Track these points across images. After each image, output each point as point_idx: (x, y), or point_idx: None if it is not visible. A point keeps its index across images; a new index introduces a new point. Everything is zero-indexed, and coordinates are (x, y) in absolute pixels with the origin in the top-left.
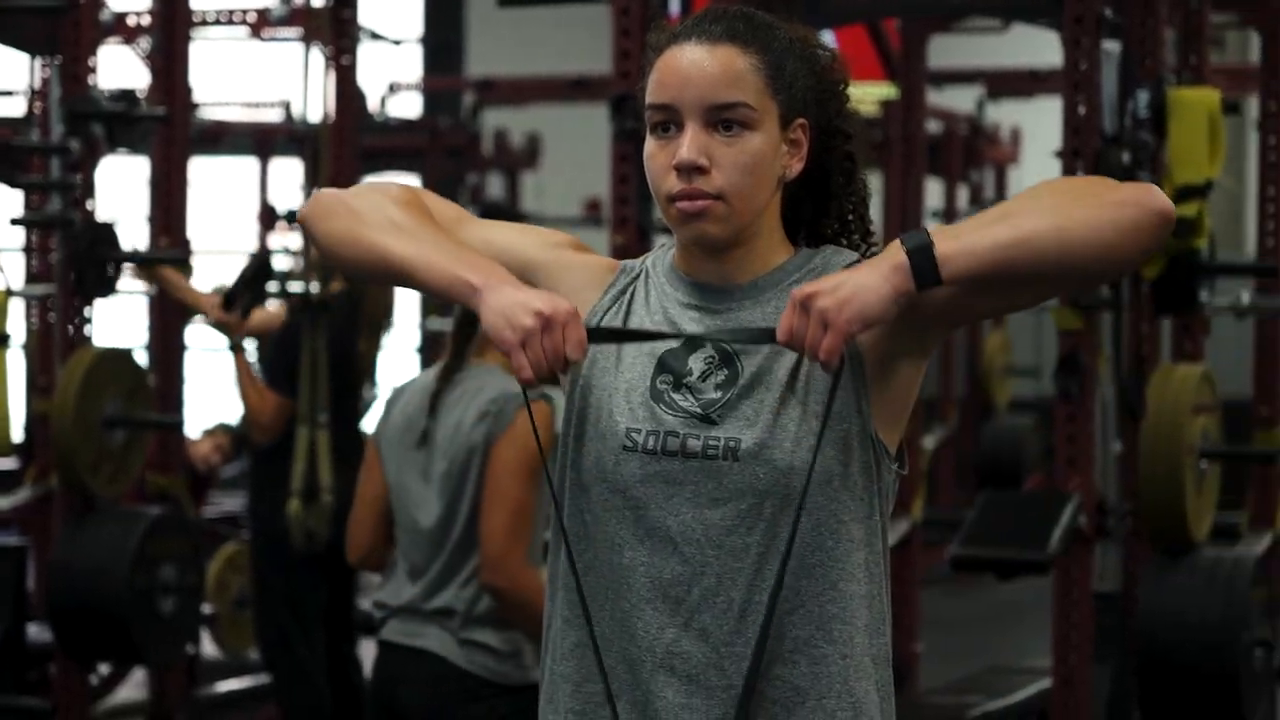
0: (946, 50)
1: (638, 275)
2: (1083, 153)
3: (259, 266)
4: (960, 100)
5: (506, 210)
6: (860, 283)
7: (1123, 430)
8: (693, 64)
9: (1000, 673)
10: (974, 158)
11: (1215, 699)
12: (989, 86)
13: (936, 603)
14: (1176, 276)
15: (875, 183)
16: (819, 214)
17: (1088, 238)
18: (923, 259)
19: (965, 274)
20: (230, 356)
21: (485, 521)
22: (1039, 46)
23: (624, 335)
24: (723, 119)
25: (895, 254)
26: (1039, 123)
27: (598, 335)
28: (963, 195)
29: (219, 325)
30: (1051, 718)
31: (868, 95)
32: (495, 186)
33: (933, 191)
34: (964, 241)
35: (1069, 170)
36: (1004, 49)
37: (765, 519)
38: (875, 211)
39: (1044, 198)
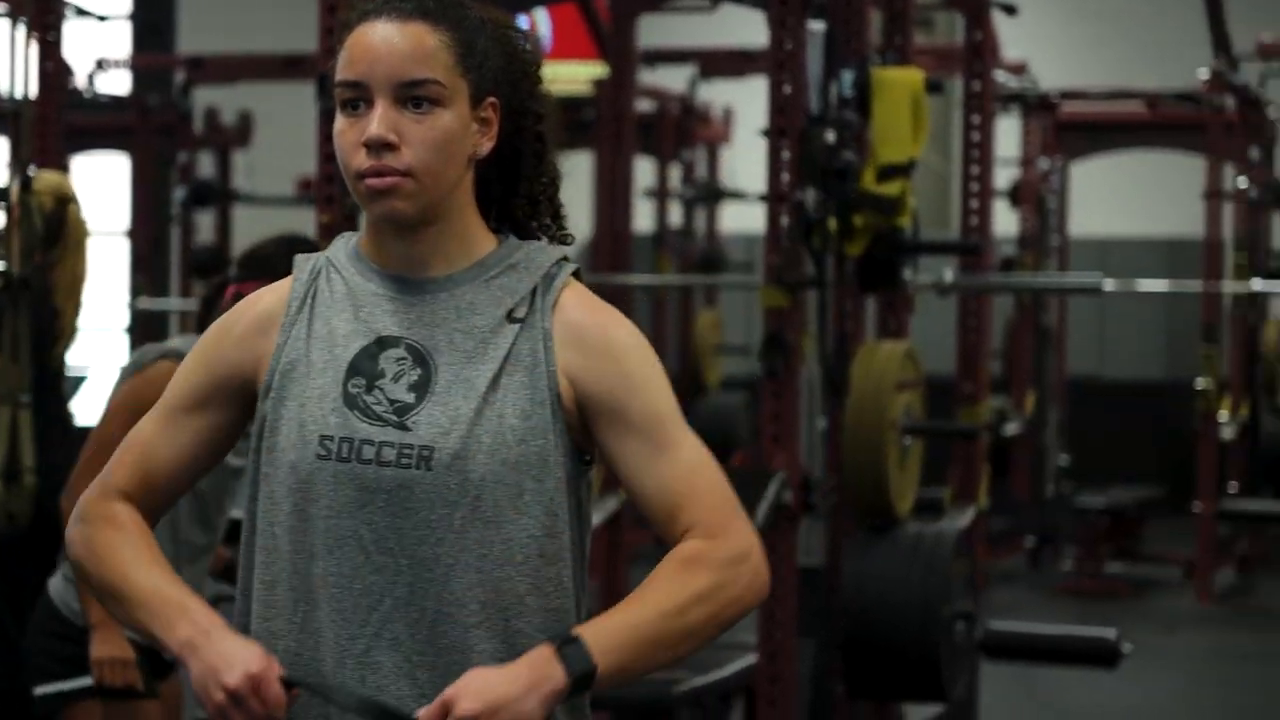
0: (660, 29)
1: (318, 273)
2: (789, 132)
3: None
4: (673, 79)
5: (217, 190)
6: (514, 711)
7: (828, 407)
8: (383, 40)
9: (706, 648)
10: (686, 137)
11: (917, 671)
12: (701, 66)
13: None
14: (880, 254)
15: (586, 162)
16: (509, 194)
17: (698, 647)
18: (581, 684)
19: (605, 684)
20: None
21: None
22: (750, 26)
23: (322, 692)
24: (412, 96)
25: (556, 678)
26: (750, 102)
27: (297, 687)
28: (675, 174)
29: None
30: (757, 692)
31: (579, 74)
32: (206, 165)
33: (644, 170)
34: (623, 662)
35: (775, 150)
36: (717, 28)
37: (454, 530)
38: (586, 190)
39: (693, 615)
